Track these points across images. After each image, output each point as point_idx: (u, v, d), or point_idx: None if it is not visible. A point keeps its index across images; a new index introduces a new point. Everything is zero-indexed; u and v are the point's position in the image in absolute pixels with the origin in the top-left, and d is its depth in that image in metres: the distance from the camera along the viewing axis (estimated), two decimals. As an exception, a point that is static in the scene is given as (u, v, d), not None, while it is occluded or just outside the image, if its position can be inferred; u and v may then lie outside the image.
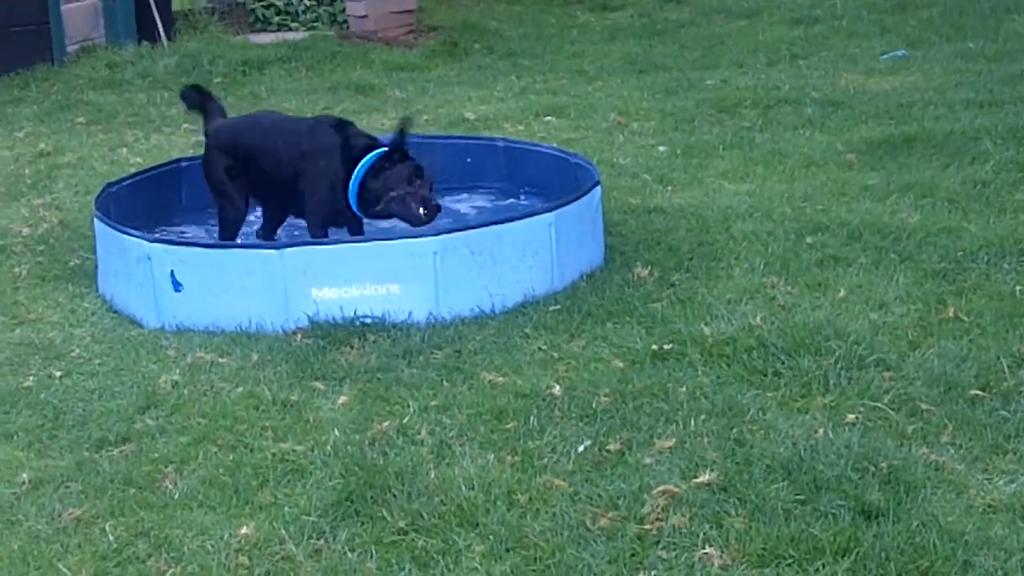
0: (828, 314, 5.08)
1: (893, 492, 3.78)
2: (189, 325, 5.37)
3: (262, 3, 13.18)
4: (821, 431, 4.15)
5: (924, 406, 4.32)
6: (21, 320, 5.64)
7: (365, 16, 12.58)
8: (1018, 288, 5.29)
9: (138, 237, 5.52)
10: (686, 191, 7.01)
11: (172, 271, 5.37)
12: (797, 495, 3.77)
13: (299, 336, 5.18)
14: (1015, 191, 6.55)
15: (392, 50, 11.93)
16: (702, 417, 4.30)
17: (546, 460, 4.09)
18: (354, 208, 5.72)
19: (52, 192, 7.67)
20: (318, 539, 3.73)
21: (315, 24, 12.99)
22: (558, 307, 5.34)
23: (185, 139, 8.75)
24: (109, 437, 4.44)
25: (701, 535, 3.62)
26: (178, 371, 4.95)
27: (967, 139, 7.49)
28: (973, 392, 4.39)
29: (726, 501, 3.78)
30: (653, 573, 3.50)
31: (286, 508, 3.89)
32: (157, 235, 5.76)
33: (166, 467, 4.19)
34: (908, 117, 8.21)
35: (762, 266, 5.70)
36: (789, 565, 3.49)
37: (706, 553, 3.54)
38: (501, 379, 4.69)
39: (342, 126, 5.93)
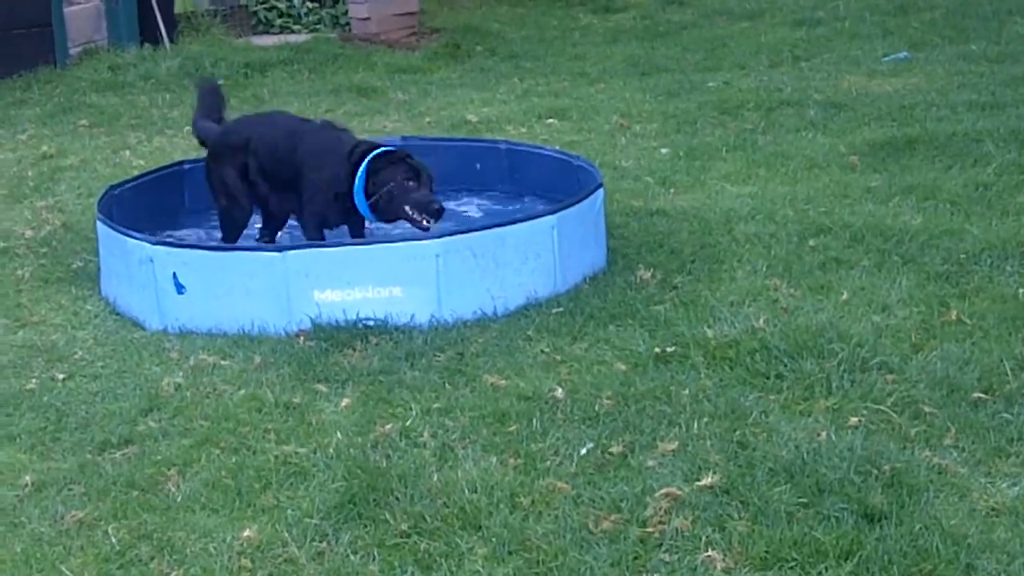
0: (831, 317, 5.08)
1: (896, 495, 3.77)
2: (192, 327, 5.37)
3: (264, 5, 13.19)
4: (824, 434, 4.15)
5: (927, 409, 4.31)
6: (24, 322, 5.64)
7: (367, 18, 12.58)
8: (1021, 291, 5.29)
9: (141, 239, 5.52)
10: (688, 193, 7.01)
11: (175, 273, 5.37)
12: (800, 498, 3.77)
13: (301, 338, 5.18)
14: (1017, 193, 6.55)
15: (394, 52, 11.94)
16: (705, 420, 4.30)
17: (548, 463, 4.09)
18: (359, 208, 5.72)
19: (55, 194, 7.67)
20: (320, 542, 3.73)
21: (317, 26, 12.99)
22: (560, 310, 5.34)
23: (187, 141, 8.73)
24: (112, 439, 4.44)
25: (704, 538, 3.62)
26: (181, 373, 4.95)
27: (969, 141, 7.49)
28: (976, 395, 4.39)
29: (729, 504, 3.78)
30: (656, 576, 3.50)
31: (288, 511, 3.89)
32: (160, 237, 5.76)
33: (169, 469, 4.19)
34: (910, 119, 8.21)
35: (765, 268, 5.70)
36: (792, 568, 3.49)
37: (708, 556, 3.54)
38: (503, 382, 4.69)
39: (343, 129, 5.97)
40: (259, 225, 6.25)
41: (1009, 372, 4.53)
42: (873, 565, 3.46)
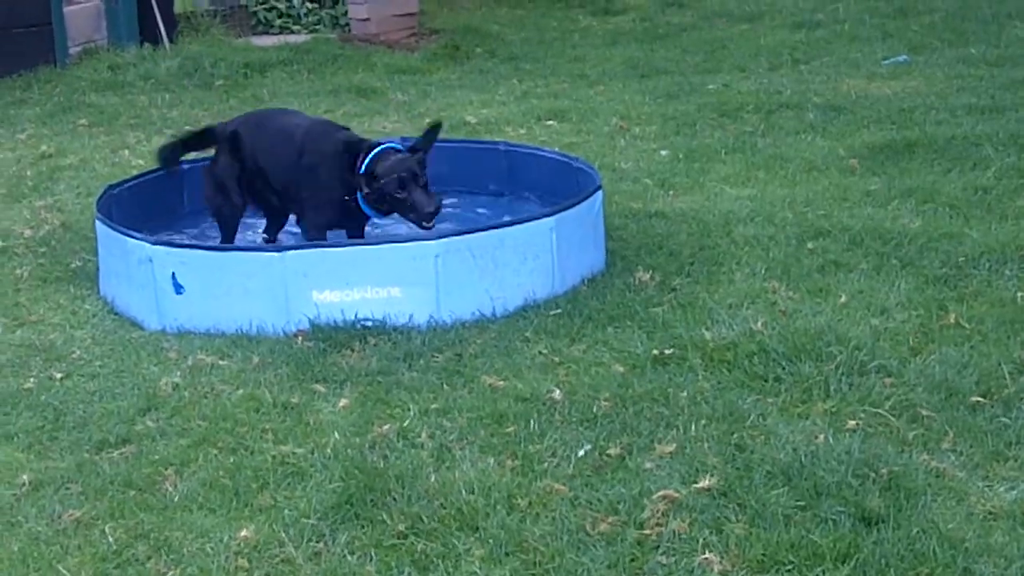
0: (829, 320, 5.08)
1: (893, 498, 3.78)
2: (190, 327, 5.37)
3: (264, 5, 13.18)
4: (822, 437, 4.15)
5: (925, 412, 4.31)
6: (22, 322, 5.64)
7: (367, 19, 12.58)
8: (1019, 294, 5.29)
9: (139, 239, 5.52)
10: (687, 195, 7.01)
11: (173, 273, 5.37)
12: (797, 501, 3.77)
13: (300, 339, 5.18)
14: (1016, 197, 6.55)
15: (394, 53, 11.94)
16: (702, 422, 4.30)
17: (546, 464, 4.09)
18: (361, 207, 5.71)
19: (54, 194, 7.67)
20: (318, 542, 3.73)
21: (317, 27, 12.99)
22: (559, 311, 5.34)
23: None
24: (109, 439, 4.44)
25: (701, 540, 3.62)
26: (179, 373, 4.95)
27: (969, 145, 7.49)
28: (974, 399, 4.39)
29: (726, 507, 3.78)
30: (653, 578, 3.50)
31: (286, 511, 3.89)
32: (158, 237, 5.76)
33: (166, 469, 4.19)
34: (910, 122, 8.21)
35: (763, 271, 5.70)
36: (789, 571, 3.49)
37: (706, 559, 3.54)
38: (501, 383, 4.69)
39: (342, 128, 5.97)
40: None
41: (1007, 376, 4.53)
42: (870, 568, 3.47)
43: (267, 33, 12.97)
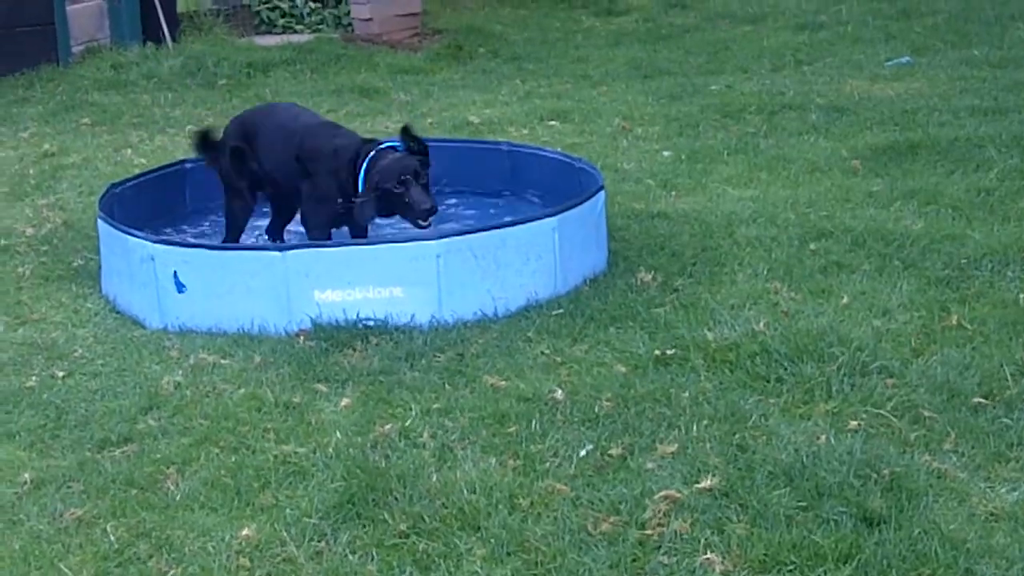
0: (831, 320, 5.07)
1: (895, 499, 3.77)
2: (192, 326, 5.37)
3: (267, 5, 13.19)
4: (823, 437, 4.15)
5: (927, 413, 4.31)
6: (24, 320, 5.64)
7: (370, 19, 12.59)
8: (1022, 296, 5.28)
9: (142, 238, 5.52)
10: (690, 196, 7.01)
11: (175, 272, 5.38)
12: (799, 501, 3.77)
13: (302, 338, 5.18)
14: (1019, 199, 6.55)
15: (397, 53, 11.94)
16: (704, 422, 4.30)
17: (548, 464, 4.09)
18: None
19: (56, 192, 7.68)
20: (319, 541, 3.73)
21: (320, 27, 13.00)
22: (561, 311, 5.34)
23: (189, 140, 8.75)
24: (111, 437, 4.44)
25: (702, 541, 3.62)
26: (180, 372, 4.95)
27: (971, 146, 7.49)
28: (976, 400, 4.39)
29: (728, 507, 3.78)
30: (654, 578, 3.50)
31: (287, 510, 3.89)
32: (161, 236, 5.76)
33: (168, 468, 4.19)
34: (913, 124, 8.21)
35: (765, 272, 5.70)
36: (790, 571, 3.49)
37: (707, 559, 3.54)
38: (503, 383, 4.69)
39: (342, 127, 5.99)
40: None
41: (1009, 377, 4.53)
42: (872, 569, 3.46)
43: (270, 33, 12.98)
